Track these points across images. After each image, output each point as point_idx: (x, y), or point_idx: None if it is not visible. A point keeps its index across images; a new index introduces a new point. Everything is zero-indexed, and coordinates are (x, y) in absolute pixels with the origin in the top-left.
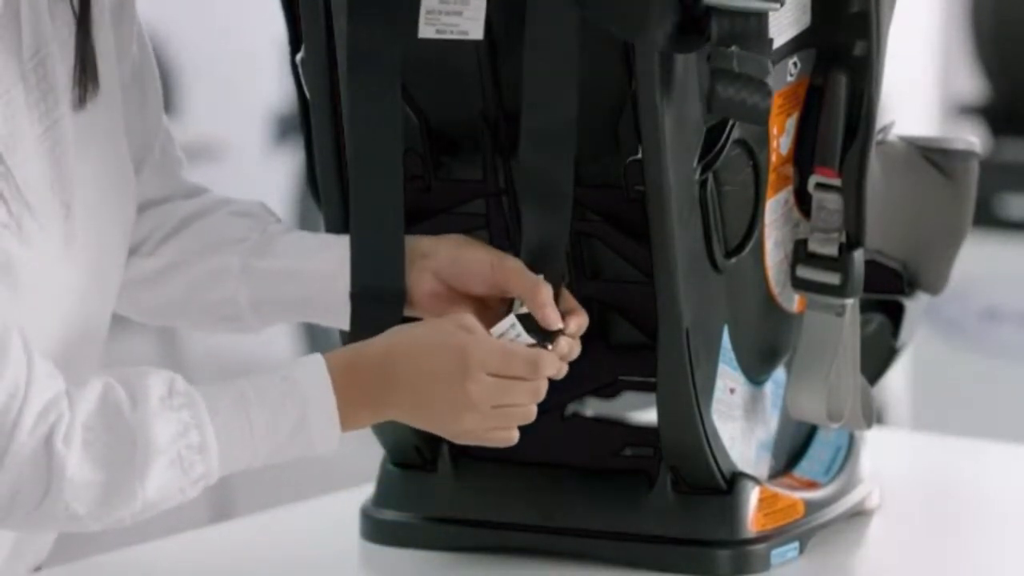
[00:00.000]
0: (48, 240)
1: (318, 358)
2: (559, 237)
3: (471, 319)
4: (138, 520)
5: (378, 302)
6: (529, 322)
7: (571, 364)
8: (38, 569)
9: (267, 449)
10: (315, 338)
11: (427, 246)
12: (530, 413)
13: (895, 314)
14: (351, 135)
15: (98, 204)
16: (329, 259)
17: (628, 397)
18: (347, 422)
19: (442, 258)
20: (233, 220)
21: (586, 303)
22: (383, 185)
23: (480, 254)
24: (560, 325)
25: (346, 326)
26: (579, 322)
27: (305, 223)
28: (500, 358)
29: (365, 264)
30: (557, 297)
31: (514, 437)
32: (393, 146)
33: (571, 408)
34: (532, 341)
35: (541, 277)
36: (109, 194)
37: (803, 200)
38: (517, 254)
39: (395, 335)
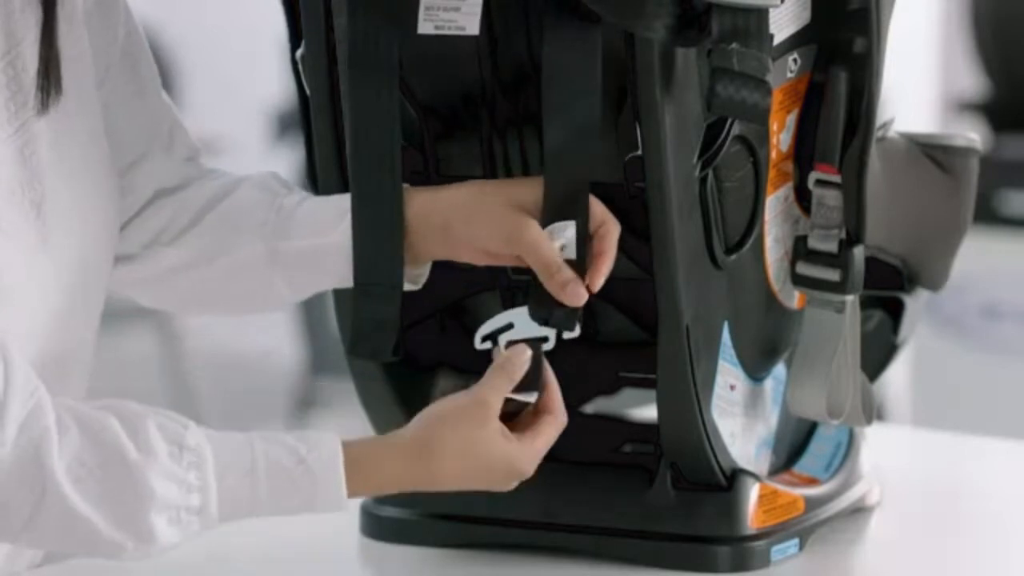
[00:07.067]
0: (18, 241)
1: (337, 447)
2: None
3: (495, 403)
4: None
5: (376, 298)
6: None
7: (571, 362)
8: (39, 566)
9: (267, 514)
10: (315, 334)
11: (441, 219)
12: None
13: (895, 310)
14: (350, 131)
15: (76, 206)
16: (347, 229)
17: (628, 393)
18: (361, 495)
19: (456, 233)
20: (249, 200)
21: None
22: (381, 181)
23: (491, 230)
24: (581, 303)
25: None
26: (605, 269)
27: None
28: (541, 446)
29: (364, 259)
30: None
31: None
32: (391, 142)
33: None
34: (573, 257)
35: (561, 260)
36: (90, 197)
37: (803, 196)
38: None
39: (428, 430)
